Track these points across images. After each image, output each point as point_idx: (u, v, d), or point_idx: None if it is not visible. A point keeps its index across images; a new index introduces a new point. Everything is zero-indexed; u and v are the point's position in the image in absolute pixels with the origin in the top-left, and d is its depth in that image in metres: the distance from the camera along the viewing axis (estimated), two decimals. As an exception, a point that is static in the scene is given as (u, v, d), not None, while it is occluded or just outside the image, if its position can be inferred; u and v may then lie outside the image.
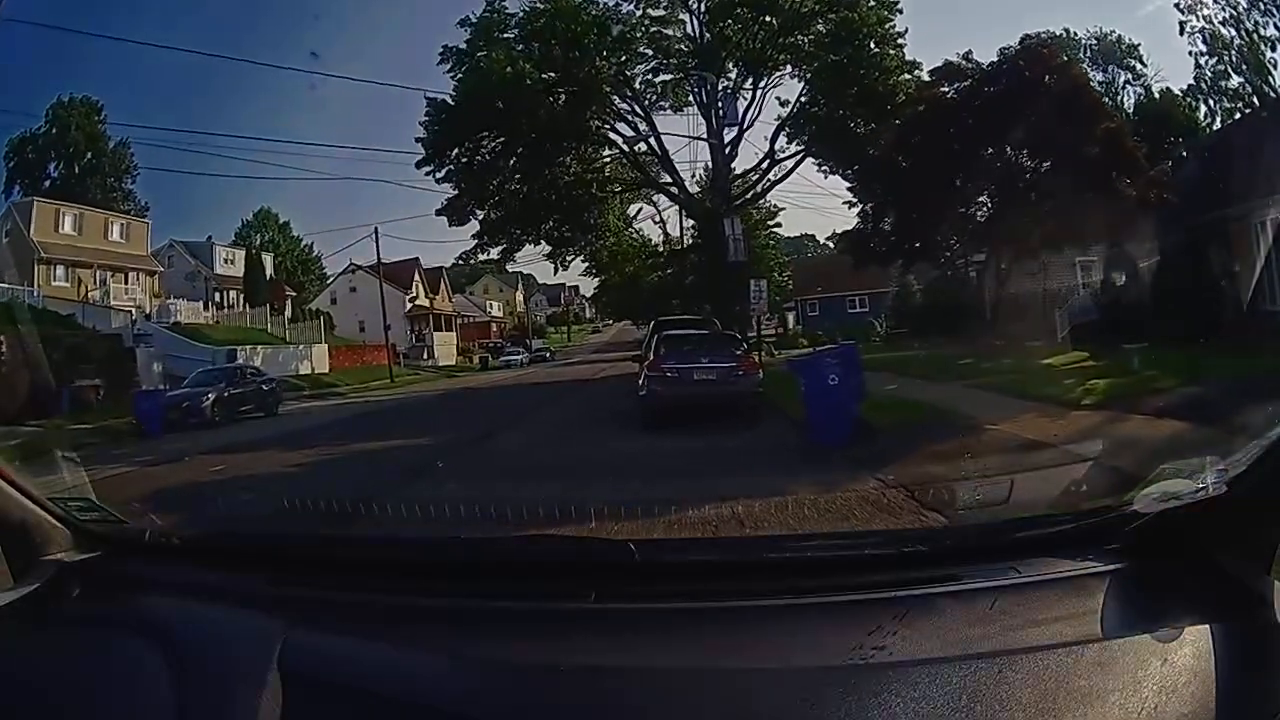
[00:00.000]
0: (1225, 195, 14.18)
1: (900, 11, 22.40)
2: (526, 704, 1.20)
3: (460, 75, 22.56)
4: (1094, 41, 20.48)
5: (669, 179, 25.74)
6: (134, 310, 22.59)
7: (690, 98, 24.35)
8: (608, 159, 26.24)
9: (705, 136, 23.75)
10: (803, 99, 23.68)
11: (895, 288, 24.94)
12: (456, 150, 23.42)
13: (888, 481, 6.10)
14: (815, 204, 46.59)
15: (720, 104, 23.35)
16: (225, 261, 27.24)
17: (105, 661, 1.36)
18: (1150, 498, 1.37)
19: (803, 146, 24.40)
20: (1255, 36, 17.71)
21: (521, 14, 22.59)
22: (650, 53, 23.57)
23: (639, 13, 22.95)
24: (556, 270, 39.38)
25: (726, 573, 1.61)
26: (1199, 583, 1.30)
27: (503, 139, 23.56)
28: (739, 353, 11.68)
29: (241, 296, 26.58)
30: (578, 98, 23.01)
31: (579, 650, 1.31)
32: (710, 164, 24.55)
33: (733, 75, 23.71)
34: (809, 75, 23.37)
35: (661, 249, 28.68)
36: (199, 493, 7.75)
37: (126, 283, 23.96)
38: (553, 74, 22.68)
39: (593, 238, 27.42)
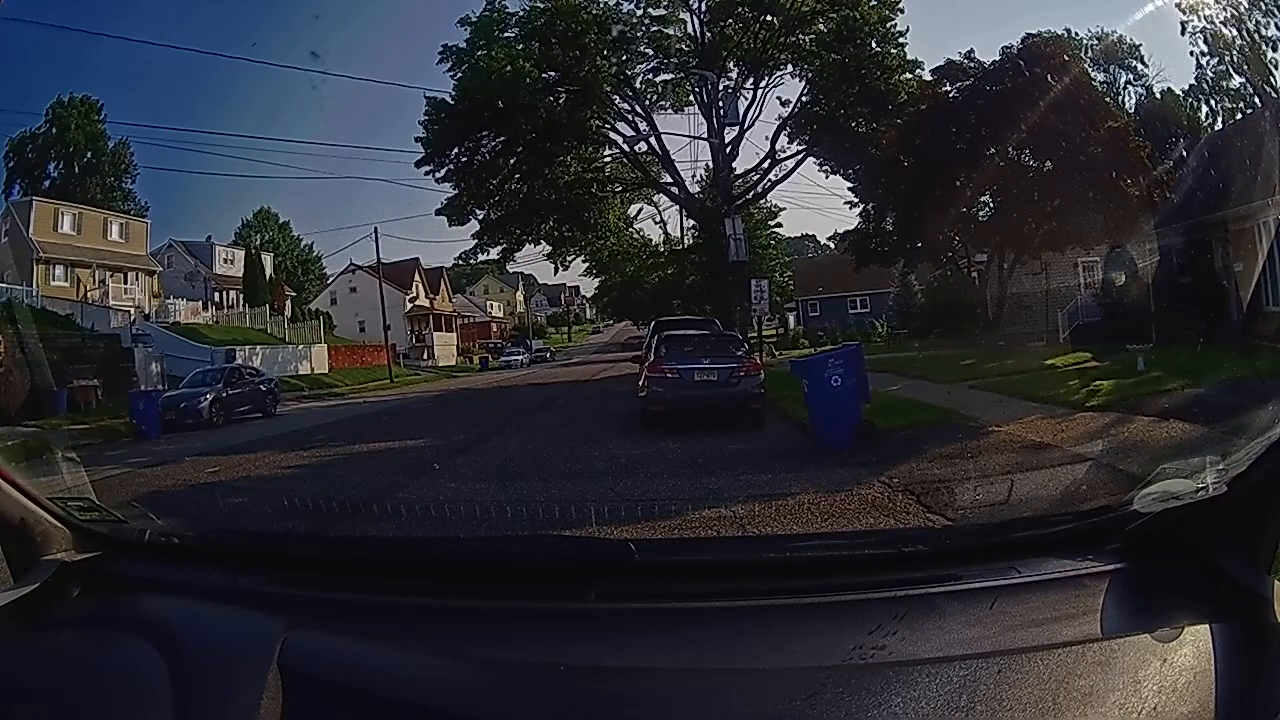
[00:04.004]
0: (1226, 195, 14.18)
1: (902, 10, 22.48)
2: (526, 704, 1.20)
3: (460, 74, 22.61)
4: (1095, 41, 20.43)
5: (669, 179, 25.82)
6: (133, 310, 22.53)
7: (691, 97, 24.43)
8: (608, 159, 26.30)
9: (706, 136, 23.80)
10: (804, 98, 23.76)
11: (897, 288, 24.93)
12: (456, 150, 23.45)
13: (892, 484, 6.10)
14: (816, 204, 46.66)
15: (721, 103, 23.36)
16: (225, 261, 27.19)
17: (105, 661, 1.36)
18: (1150, 498, 1.37)
19: (804, 146, 24.48)
20: (1257, 37, 17.68)
21: (521, 13, 22.66)
22: (651, 52, 23.64)
23: (639, 12, 23.04)
24: (557, 270, 39.39)
25: (726, 573, 1.62)
26: (1199, 583, 1.30)
27: (503, 138, 23.59)
28: (740, 353, 11.64)
29: (241, 296, 26.53)
30: (578, 97, 23.03)
31: (579, 650, 1.31)
32: (711, 164, 24.64)
33: (733, 75, 23.78)
34: (810, 74, 23.40)
35: (662, 249, 28.70)
36: (198, 493, 7.75)
37: (125, 282, 23.91)
38: (553, 73, 22.71)
39: (593, 237, 27.45)
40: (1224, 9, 18.33)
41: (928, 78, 19.99)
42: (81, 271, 22.66)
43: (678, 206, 26.73)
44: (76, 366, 17.30)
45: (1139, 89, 21.10)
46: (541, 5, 22.53)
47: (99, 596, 1.60)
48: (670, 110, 24.84)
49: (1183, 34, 18.95)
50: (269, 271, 27.59)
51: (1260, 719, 1.09)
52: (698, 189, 25.71)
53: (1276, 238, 13.00)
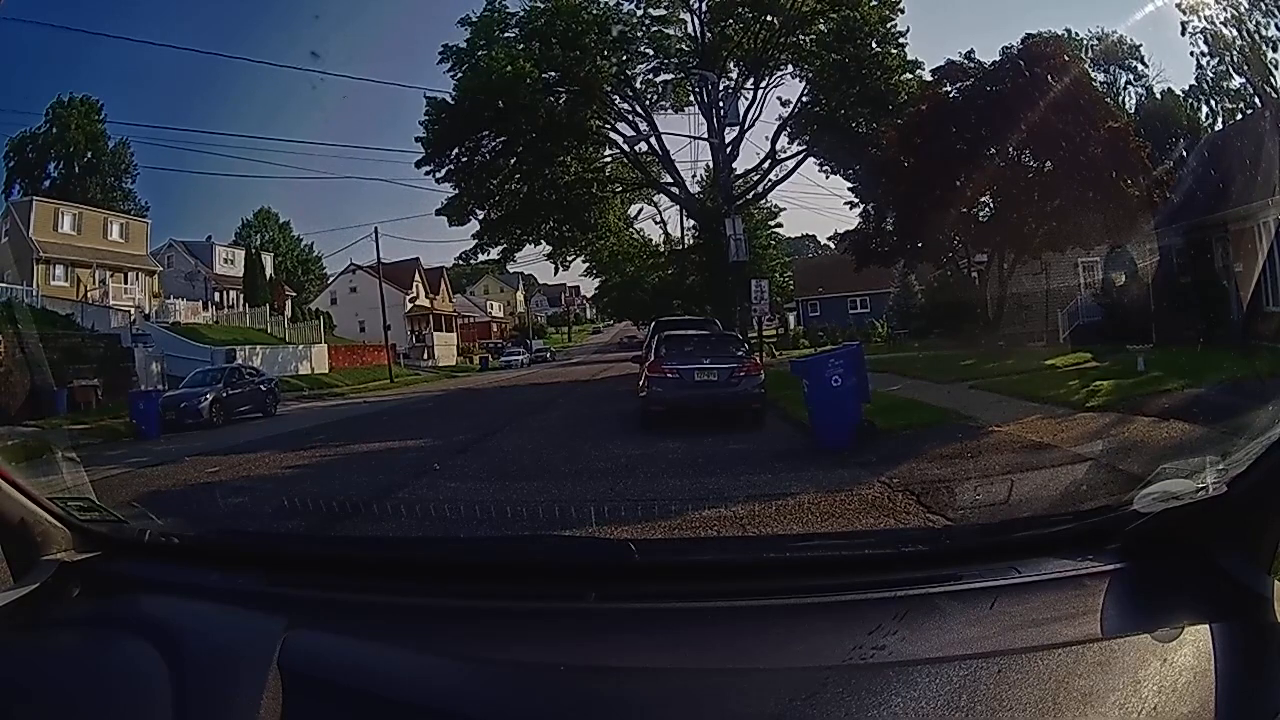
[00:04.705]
0: (1226, 195, 14.17)
1: (902, 11, 22.45)
2: (526, 704, 1.20)
3: (460, 74, 22.60)
4: (1095, 41, 20.43)
5: (670, 179, 25.81)
6: (133, 310, 22.49)
7: (691, 97, 24.40)
8: (608, 159, 26.29)
9: (706, 136, 23.78)
10: (804, 98, 23.75)
11: (897, 288, 24.94)
12: (456, 150, 23.44)
13: (892, 484, 6.10)
14: (816, 204, 46.61)
15: (721, 103, 23.35)
16: (225, 261, 27.17)
17: (105, 661, 1.36)
18: (1150, 498, 1.37)
19: (804, 146, 24.46)
20: (1257, 37, 17.68)
21: (522, 13, 22.64)
22: (651, 52, 23.61)
23: (639, 12, 23.01)
24: (557, 270, 39.33)
25: (726, 573, 1.62)
26: (1199, 583, 1.30)
27: (503, 138, 23.59)
28: (740, 353, 11.64)
29: (241, 296, 26.51)
30: (578, 97, 23.03)
31: (579, 650, 1.31)
32: (711, 164, 24.62)
33: (734, 75, 23.77)
34: (810, 75, 23.40)
35: (662, 249, 28.68)
36: (198, 493, 7.75)
37: (126, 282, 23.88)
38: (553, 73, 22.70)
39: (593, 238, 27.46)
40: (1224, 9, 18.33)
41: (928, 78, 19.98)
42: (81, 271, 22.64)
43: (678, 206, 26.74)
44: (76, 366, 17.27)
45: (1139, 89, 21.11)
46: (541, 5, 22.53)
47: (99, 596, 1.60)
48: (670, 110, 24.83)
49: (1183, 34, 18.93)
50: (269, 271, 27.57)
51: (1260, 719, 1.09)
52: (698, 189, 25.74)
53: (1276, 238, 13.00)
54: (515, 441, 10.01)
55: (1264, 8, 17.63)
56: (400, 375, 25.58)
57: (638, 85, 23.97)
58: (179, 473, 9.22)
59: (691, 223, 26.81)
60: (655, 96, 24.35)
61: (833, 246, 26.54)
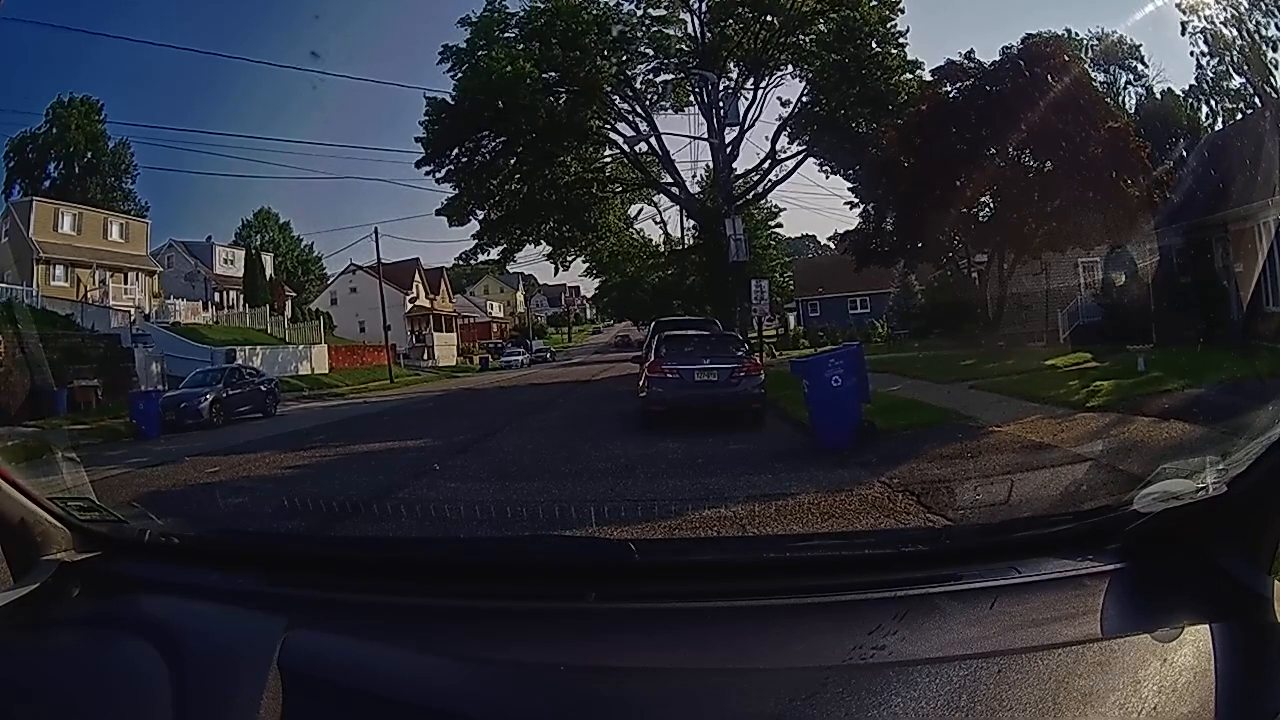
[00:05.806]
0: (1226, 196, 14.17)
1: (902, 11, 22.47)
2: (526, 704, 1.20)
3: (460, 75, 22.62)
4: (1095, 41, 20.45)
5: (670, 179, 25.83)
6: (133, 310, 22.49)
7: (691, 97, 24.42)
8: (608, 159, 26.31)
9: (706, 136, 23.79)
10: (804, 98, 23.77)
11: (897, 288, 24.94)
12: (456, 150, 23.46)
13: (892, 484, 6.10)
14: (816, 204, 46.66)
15: (721, 104, 23.37)
16: (225, 261, 27.17)
17: (105, 661, 1.36)
18: (1150, 498, 1.37)
19: (804, 146, 24.47)
20: (1257, 37, 17.69)
21: (522, 13, 22.67)
22: (651, 52, 23.63)
23: (639, 12, 23.03)
24: (557, 271, 39.25)
25: (726, 573, 1.62)
26: (1199, 583, 1.30)
27: (503, 139, 23.61)
28: (740, 353, 11.65)
29: (241, 296, 26.52)
30: (578, 97, 23.05)
31: (579, 650, 1.31)
32: (711, 164, 24.65)
33: (734, 75, 23.79)
34: (810, 75, 23.42)
35: (662, 249, 28.71)
36: (198, 493, 7.75)
37: (126, 283, 23.88)
38: (553, 73, 22.72)
39: (593, 238, 27.48)
40: (1224, 9, 18.34)
41: (928, 78, 19.99)
42: (81, 271, 22.63)
43: (678, 207, 26.77)
44: (76, 366, 17.27)
45: (1139, 89, 21.13)
46: (541, 5, 22.55)
47: (99, 596, 1.60)
48: (670, 110, 24.85)
49: (1183, 34, 18.94)
50: (269, 272, 27.57)
51: (1260, 719, 1.09)
52: (698, 189, 25.77)
53: (1276, 238, 13.00)
54: (515, 442, 10.01)
55: (1264, 8, 17.64)
56: (400, 375, 25.58)
57: (638, 85, 24.03)
58: (179, 473, 9.22)
59: (691, 223, 26.88)
60: (655, 96, 24.41)
61: (833, 246, 26.60)
